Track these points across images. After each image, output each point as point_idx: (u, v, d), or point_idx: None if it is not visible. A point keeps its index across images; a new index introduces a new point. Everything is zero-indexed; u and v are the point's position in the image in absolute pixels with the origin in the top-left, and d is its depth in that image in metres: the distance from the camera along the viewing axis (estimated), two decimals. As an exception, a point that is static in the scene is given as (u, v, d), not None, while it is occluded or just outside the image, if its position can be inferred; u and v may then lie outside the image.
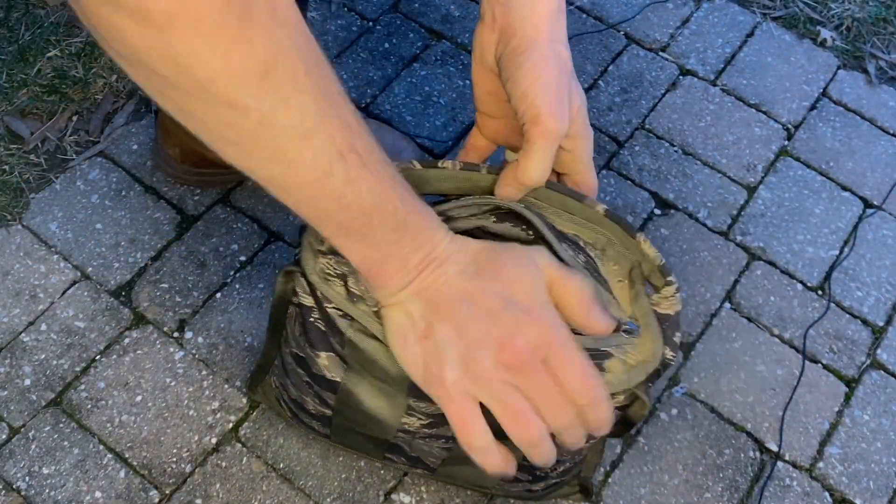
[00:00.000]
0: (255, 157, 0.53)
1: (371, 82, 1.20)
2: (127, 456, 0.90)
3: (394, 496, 0.90)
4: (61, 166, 1.08)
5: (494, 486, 0.85)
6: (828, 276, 1.08)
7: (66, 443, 0.91)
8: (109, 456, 0.90)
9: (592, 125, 1.18)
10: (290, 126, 0.50)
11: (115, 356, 0.96)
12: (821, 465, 0.96)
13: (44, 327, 0.97)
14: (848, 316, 1.06)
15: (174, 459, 0.90)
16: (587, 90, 1.22)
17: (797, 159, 1.18)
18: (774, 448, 0.96)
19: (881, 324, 1.06)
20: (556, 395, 0.60)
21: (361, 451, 0.85)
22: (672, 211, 1.12)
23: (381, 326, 0.66)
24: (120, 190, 1.07)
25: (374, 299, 0.64)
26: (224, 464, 0.90)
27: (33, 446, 0.90)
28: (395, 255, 0.59)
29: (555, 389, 0.60)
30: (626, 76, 1.23)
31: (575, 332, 0.63)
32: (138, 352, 0.96)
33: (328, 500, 0.89)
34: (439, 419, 0.72)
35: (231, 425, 0.93)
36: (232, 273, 1.02)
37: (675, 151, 1.17)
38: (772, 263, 1.09)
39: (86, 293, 0.99)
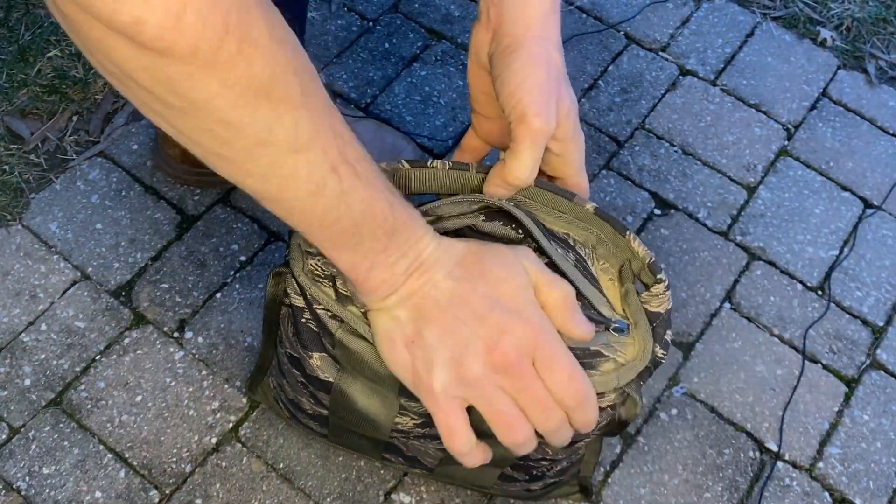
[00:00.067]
0: (250, 174, 0.53)
1: (371, 82, 1.20)
2: (127, 456, 0.90)
3: (394, 496, 0.90)
4: (61, 166, 1.08)
5: (493, 486, 0.85)
6: (828, 276, 1.08)
7: (66, 443, 0.91)
8: (109, 456, 0.90)
9: (592, 125, 1.19)
10: (285, 143, 0.50)
11: (115, 356, 0.96)
12: (821, 465, 0.96)
13: (44, 327, 0.97)
14: (848, 316, 1.06)
15: (174, 459, 0.90)
16: (587, 90, 1.22)
17: (797, 159, 1.18)
18: (774, 448, 0.96)
19: (881, 324, 1.06)
20: (545, 397, 0.61)
21: (359, 451, 0.85)
22: (672, 211, 1.12)
23: (369, 328, 0.66)
24: (120, 190, 1.07)
25: (362, 302, 0.65)
26: (224, 464, 0.90)
27: (33, 446, 0.90)
28: (383, 262, 0.59)
29: (543, 392, 0.61)
30: (626, 76, 1.24)
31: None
32: (138, 352, 0.96)
33: (328, 500, 0.89)
34: (431, 419, 0.72)
35: (231, 425, 0.93)
36: (232, 273, 1.02)
37: (675, 151, 1.17)
38: (772, 263, 1.09)
39: (86, 293, 0.99)
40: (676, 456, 0.95)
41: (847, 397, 1.00)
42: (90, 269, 1.01)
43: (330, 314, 0.68)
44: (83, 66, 1.15)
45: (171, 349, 0.96)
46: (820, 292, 1.07)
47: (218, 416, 0.93)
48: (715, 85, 1.24)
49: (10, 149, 1.09)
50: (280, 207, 0.55)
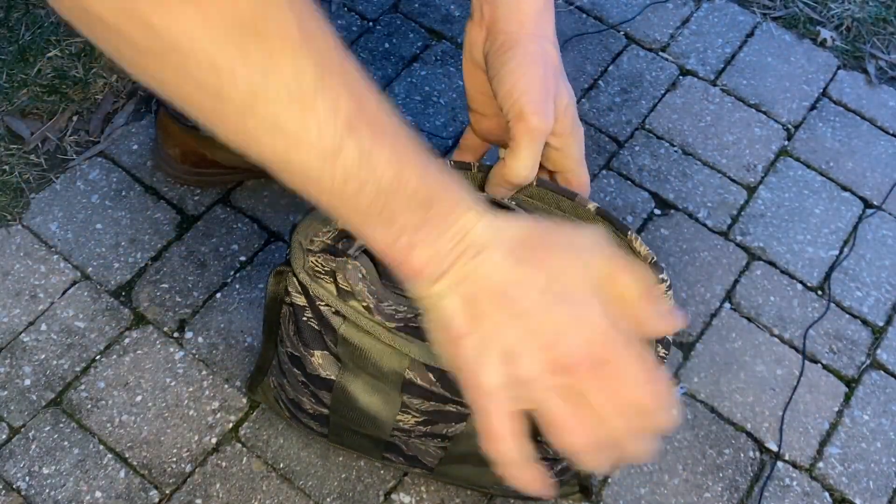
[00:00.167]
0: (251, 133, 0.46)
1: (371, 82, 1.20)
2: (127, 456, 0.90)
3: (394, 496, 0.90)
4: (61, 166, 1.08)
5: (493, 486, 0.85)
6: (828, 276, 1.08)
7: (66, 443, 0.91)
8: (109, 456, 0.90)
9: (592, 125, 1.19)
10: (286, 93, 0.44)
11: (115, 356, 0.96)
12: (821, 465, 0.96)
13: (44, 327, 0.97)
14: (848, 316, 1.06)
15: (174, 459, 0.90)
16: (587, 90, 1.22)
17: (797, 159, 1.18)
18: (774, 448, 0.96)
19: (881, 324, 1.06)
20: (615, 400, 0.52)
21: (360, 450, 0.85)
22: (672, 211, 1.12)
23: (371, 322, 0.66)
24: (120, 190, 1.07)
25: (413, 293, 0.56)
26: (224, 464, 0.90)
27: (33, 446, 0.90)
28: (423, 240, 0.50)
29: (612, 394, 0.52)
30: (626, 76, 1.24)
31: None
32: (138, 352, 0.96)
33: (328, 500, 0.89)
34: (434, 417, 0.72)
35: (231, 425, 0.93)
36: (232, 273, 1.02)
37: (675, 151, 1.17)
38: (772, 263, 1.09)
39: (86, 293, 0.99)
40: (676, 456, 0.95)
41: (847, 397, 1.00)
42: (90, 269, 1.01)
43: (333, 310, 0.68)
44: (83, 66, 1.15)
45: (171, 349, 0.97)
46: (820, 292, 1.07)
47: (218, 416, 0.93)
48: (715, 85, 1.24)
49: (10, 149, 1.09)
50: (293, 177, 0.48)
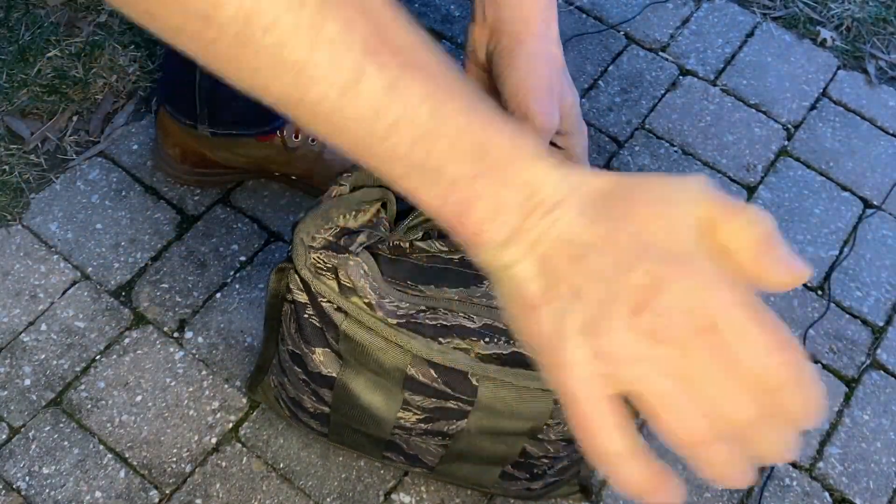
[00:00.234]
0: (252, 67, 0.40)
1: (371, 82, 1.20)
2: (127, 456, 0.90)
3: (394, 496, 0.90)
4: (61, 166, 1.08)
5: (494, 485, 0.85)
6: (828, 276, 1.08)
7: (66, 443, 0.91)
8: (109, 456, 0.90)
9: (592, 125, 1.19)
10: (283, 10, 0.38)
11: (115, 356, 0.96)
12: (821, 465, 0.96)
13: (44, 327, 0.97)
14: (848, 316, 1.06)
15: (174, 459, 0.90)
16: (587, 90, 1.22)
17: (797, 159, 1.18)
18: (774, 448, 0.96)
19: (881, 324, 1.06)
20: (733, 375, 0.40)
21: (360, 449, 0.85)
22: (672, 211, 1.12)
23: (373, 319, 0.66)
24: (120, 190, 1.07)
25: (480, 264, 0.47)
26: (224, 464, 0.90)
27: (33, 446, 0.90)
28: (480, 194, 0.42)
29: (729, 367, 0.40)
30: (626, 76, 1.24)
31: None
32: (138, 352, 0.96)
33: (328, 500, 0.89)
34: (435, 414, 0.72)
35: (231, 425, 0.93)
36: (232, 273, 1.02)
37: (675, 151, 1.17)
38: (772, 263, 1.09)
39: (86, 293, 0.99)
40: (676, 455, 0.95)
41: (847, 397, 1.00)
42: (90, 269, 1.01)
43: (335, 307, 0.68)
44: (83, 66, 1.15)
45: (171, 349, 0.96)
46: (820, 292, 1.07)
47: (218, 416, 0.93)
48: (715, 85, 1.24)
49: (10, 149, 1.09)
50: (315, 119, 0.40)
